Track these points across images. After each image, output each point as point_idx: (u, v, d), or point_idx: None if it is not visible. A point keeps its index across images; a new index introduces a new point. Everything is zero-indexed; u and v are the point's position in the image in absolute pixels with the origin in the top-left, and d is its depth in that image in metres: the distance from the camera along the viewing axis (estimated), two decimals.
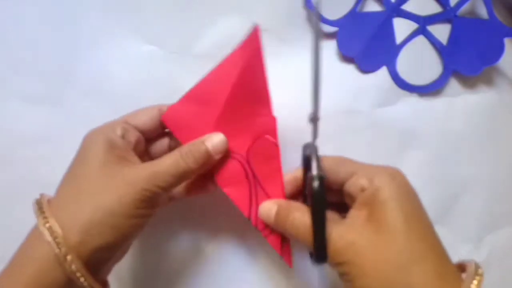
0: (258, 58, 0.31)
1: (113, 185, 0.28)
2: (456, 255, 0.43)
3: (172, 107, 0.33)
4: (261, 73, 0.31)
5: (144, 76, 0.40)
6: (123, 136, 0.31)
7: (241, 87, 0.32)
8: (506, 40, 0.39)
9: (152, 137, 0.35)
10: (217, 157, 0.32)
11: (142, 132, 0.33)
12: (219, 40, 0.39)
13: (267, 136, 0.33)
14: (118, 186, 0.28)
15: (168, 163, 0.30)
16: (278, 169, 0.33)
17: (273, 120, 0.33)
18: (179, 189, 0.35)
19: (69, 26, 0.39)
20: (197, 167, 0.30)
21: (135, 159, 0.31)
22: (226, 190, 0.33)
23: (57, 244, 0.26)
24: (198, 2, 0.39)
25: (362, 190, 0.28)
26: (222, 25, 0.39)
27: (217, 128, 0.33)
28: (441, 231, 0.42)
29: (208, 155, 0.31)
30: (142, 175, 0.29)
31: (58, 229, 0.27)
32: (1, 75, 0.39)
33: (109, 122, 0.32)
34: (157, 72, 0.40)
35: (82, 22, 0.39)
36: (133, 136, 0.32)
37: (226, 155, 0.33)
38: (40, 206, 0.28)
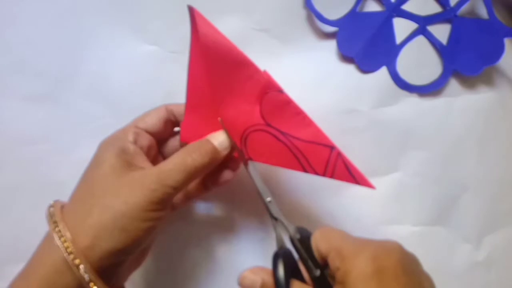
0: (210, 29, 0.31)
1: (122, 188, 0.28)
2: (456, 255, 0.43)
3: (183, 126, 0.33)
4: (222, 39, 0.31)
5: (144, 76, 0.40)
6: (135, 141, 0.31)
7: (216, 65, 0.32)
8: (506, 40, 0.39)
9: (163, 138, 0.35)
10: (224, 152, 0.32)
11: (153, 134, 0.33)
12: None
13: (269, 91, 0.32)
14: (127, 188, 0.28)
15: (176, 162, 0.30)
16: (298, 112, 0.32)
17: (263, 74, 0.32)
18: (179, 195, 0.34)
19: (69, 25, 0.39)
20: (205, 164, 0.30)
21: (146, 164, 0.31)
22: (270, 162, 0.33)
23: (66, 248, 0.26)
24: (198, 2, 0.39)
25: (337, 269, 0.27)
26: (222, 25, 0.39)
27: (223, 115, 0.32)
28: (441, 231, 0.42)
29: (215, 150, 0.31)
30: (150, 176, 0.29)
31: (67, 233, 0.27)
32: (1, 74, 0.39)
33: (121, 129, 0.32)
34: (157, 72, 0.40)
35: (82, 22, 0.39)
36: (145, 140, 0.32)
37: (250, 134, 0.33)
38: (52, 211, 0.28)
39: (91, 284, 0.26)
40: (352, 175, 0.32)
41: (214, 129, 0.33)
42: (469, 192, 0.42)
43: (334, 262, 0.27)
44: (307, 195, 0.41)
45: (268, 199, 0.32)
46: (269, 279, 0.29)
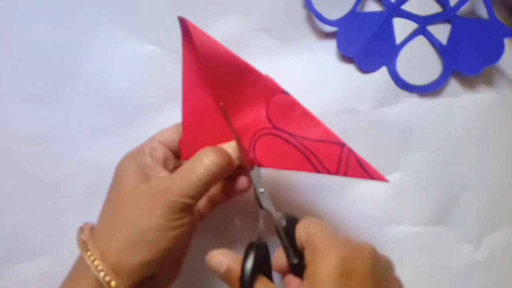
0: (205, 39, 0.30)
1: (142, 202, 0.28)
2: (456, 255, 0.43)
3: (183, 143, 0.32)
4: (220, 48, 0.31)
5: (144, 76, 0.40)
6: (151, 154, 0.31)
7: (216, 75, 0.31)
8: (506, 40, 0.39)
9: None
10: (237, 162, 0.32)
11: (171, 149, 0.33)
12: (219, 40, 0.39)
13: (274, 94, 0.32)
14: (147, 201, 0.28)
15: (191, 172, 0.30)
16: (305, 112, 0.32)
17: (265, 78, 0.32)
18: (204, 202, 0.35)
19: (69, 25, 0.39)
20: (221, 171, 0.30)
21: (165, 173, 0.31)
22: (281, 166, 0.32)
23: (96, 266, 0.27)
24: (198, 2, 0.39)
25: (309, 263, 0.27)
26: (222, 25, 0.39)
27: (231, 124, 0.32)
28: (441, 231, 0.42)
29: (230, 158, 0.31)
30: (167, 187, 0.29)
31: (96, 252, 0.27)
32: (1, 74, 0.39)
33: (137, 146, 0.33)
34: (157, 72, 0.40)
35: (82, 22, 0.39)
36: (161, 152, 0.32)
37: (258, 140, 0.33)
38: (81, 233, 0.29)
39: None
40: (365, 171, 0.31)
41: (216, 142, 0.32)
42: (469, 192, 0.42)
43: (308, 256, 0.28)
44: (307, 196, 0.41)
45: (261, 190, 0.32)
46: (237, 266, 0.29)
